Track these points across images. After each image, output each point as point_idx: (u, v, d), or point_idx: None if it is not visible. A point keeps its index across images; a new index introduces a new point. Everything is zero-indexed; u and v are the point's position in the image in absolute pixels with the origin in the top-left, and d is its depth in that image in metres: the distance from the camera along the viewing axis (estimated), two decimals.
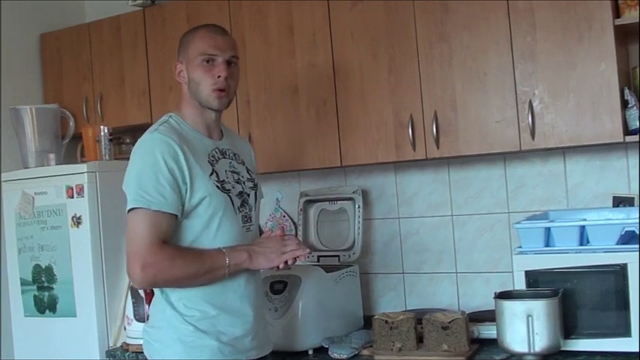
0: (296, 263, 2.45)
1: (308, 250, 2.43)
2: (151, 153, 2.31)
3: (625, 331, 2.49)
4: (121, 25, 3.77)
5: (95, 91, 3.84)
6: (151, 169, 2.30)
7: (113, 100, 3.79)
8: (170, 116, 2.47)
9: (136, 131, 3.76)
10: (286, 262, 2.40)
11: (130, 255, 2.30)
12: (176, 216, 2.32)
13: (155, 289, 2.44)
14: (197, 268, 2.31)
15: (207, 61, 2.42)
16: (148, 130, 2.41)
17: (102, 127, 3.60)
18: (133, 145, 2.43)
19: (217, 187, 2.39)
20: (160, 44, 3.62)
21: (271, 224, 3.69)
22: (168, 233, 2.31)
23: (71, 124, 3.82)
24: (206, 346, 2.36)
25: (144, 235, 2.27)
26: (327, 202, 3.47)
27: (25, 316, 3.53)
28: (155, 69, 3.64)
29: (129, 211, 2.32)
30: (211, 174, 2.40)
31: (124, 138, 3.92)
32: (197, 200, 2.34)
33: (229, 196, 2.42)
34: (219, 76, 2.42)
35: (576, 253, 2.59)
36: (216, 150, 2.48)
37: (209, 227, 2.37)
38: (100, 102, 3.81)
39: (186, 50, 2.47)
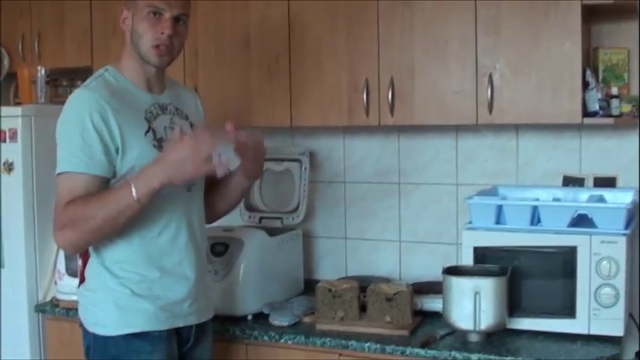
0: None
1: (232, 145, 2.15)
2: (77, 112, 2.19)
3: (570, 312, 2.51)
4: None
5: (33, 28, 3.61)
6: (77, 129, 2.16)
7: (52, 40, 3.56)
8: (106, 69, 2.33)
9: (75, 74, 3.59)
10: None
11: (53, 222, 2.19)
12: (107, 178, 2.19)
13: (90, 251, 2.30)
14: (105, 213, 2.12)
15: (155, 14, 2.26)
16: (81, 86, 2.27)
17: (39, 67, 3.41)
18: (71, 88, 2.29)
19: (154, 145, 2.26)
20: None
21: None
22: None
23: (5, 62, 3.62)
24: (142, 310, 2.26)
25: (62, 198, 2.15)
26: (273, 162, 3.34)
27: None
28: (98, 9, 3.41)
29: (57, 176, 2.20)
30: (147, 131, 2.27)
31: (62, 80, 3.71)
32: (130, 160, 2.20)
33: None
34: (162, 33, 2.26)
35: (528, 232, 2.58)
36: (155, 105, 2.34)
37: None
38: (38, 40, 3.59)
39: None
